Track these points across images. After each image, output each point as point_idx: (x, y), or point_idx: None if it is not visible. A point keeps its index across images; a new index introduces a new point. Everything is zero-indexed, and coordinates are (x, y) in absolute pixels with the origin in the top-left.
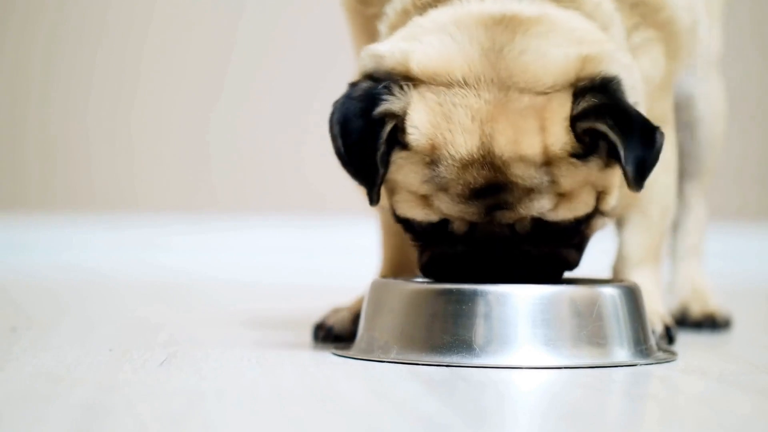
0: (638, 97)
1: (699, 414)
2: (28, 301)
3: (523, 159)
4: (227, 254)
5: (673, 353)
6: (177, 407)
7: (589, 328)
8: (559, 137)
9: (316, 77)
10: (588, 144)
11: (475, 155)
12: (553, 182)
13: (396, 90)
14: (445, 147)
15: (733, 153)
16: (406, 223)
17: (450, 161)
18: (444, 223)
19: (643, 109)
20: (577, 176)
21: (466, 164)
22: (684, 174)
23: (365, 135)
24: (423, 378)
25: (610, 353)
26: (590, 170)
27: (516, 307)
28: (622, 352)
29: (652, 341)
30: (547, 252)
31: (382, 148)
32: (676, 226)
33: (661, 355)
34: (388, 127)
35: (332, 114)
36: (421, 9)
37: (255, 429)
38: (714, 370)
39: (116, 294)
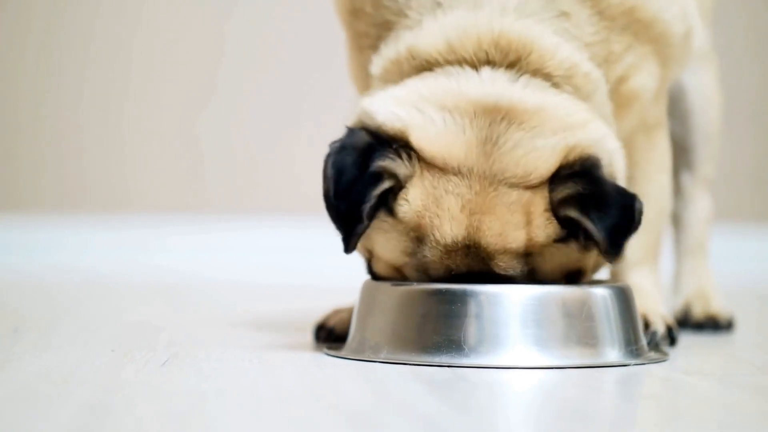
0: (620, 176)
1: (700, 414)
2: (27, 302)
3: (507, 252)
4: (223, 255)
5: (664, 354)
6: (179, 407)
7: (580, 328)
8: (543, 229)
9: (310, 77)
10: (569, 229)
11: (459, 244)
12: (534, 269)
13: (402, 155)
14: (431, 230)
15: (733, 154)
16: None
17: (434, 245)
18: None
19: (623, 183)
20: (556, 260)
21: (450, 251)
22: (680, 166)
23: (359, 184)
24: (424, 379)
25: (601, 353)
26: (570, 253)
27: (507, 307)
28: (613, 353)
29: (644, 341)
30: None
31: (372, 201)
32: (677, 221)
33: (652, 355)
34: (385, 185)
35: (329, 155)
36: (416, 69)
37: (256, 429)
38: (716, 370)
39: (114, 295)
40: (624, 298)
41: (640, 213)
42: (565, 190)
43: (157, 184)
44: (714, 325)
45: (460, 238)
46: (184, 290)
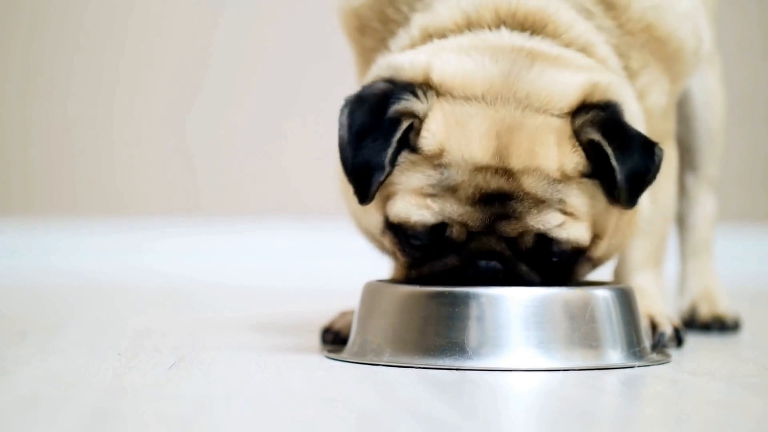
0: (639, 126)
1: (708, 415)
2: (28, 306)
3: (537, 171)
4: (216, 258)
5: (667, 355)
6: (185, 411)
7: (582, 330)
8: (571, 156)
9: (301, 77)
10: (594, 161)
11: (489, 161)
12: (562, 200)
13: (419, 92)
14: (459, 150)
15: (740, 155)
16: (398, 230)
17: (462, 164)
18: (441, 228)
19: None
20: (584, 200)
21: (479, 168)
22: (685, 167)
23: (376, 129)
24: (431, 381)
25: (603, 355)
26: (595, 200)
27: (509, 309)
28: (615, 354)
29: (646, 343)
30: (537, 282)
31: (394, 146)
32: (681, 222)
33: (655, 357)
34: (405, 125)
35: (344, 106)
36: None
37: None
38: (723, 371)
39: (114, 298)
40: (626, 300)
41: (660, 159)
42: (588, 116)
43: (149, 187)
44: (721, 325)
45: (489, 155)
46: (183, 294)
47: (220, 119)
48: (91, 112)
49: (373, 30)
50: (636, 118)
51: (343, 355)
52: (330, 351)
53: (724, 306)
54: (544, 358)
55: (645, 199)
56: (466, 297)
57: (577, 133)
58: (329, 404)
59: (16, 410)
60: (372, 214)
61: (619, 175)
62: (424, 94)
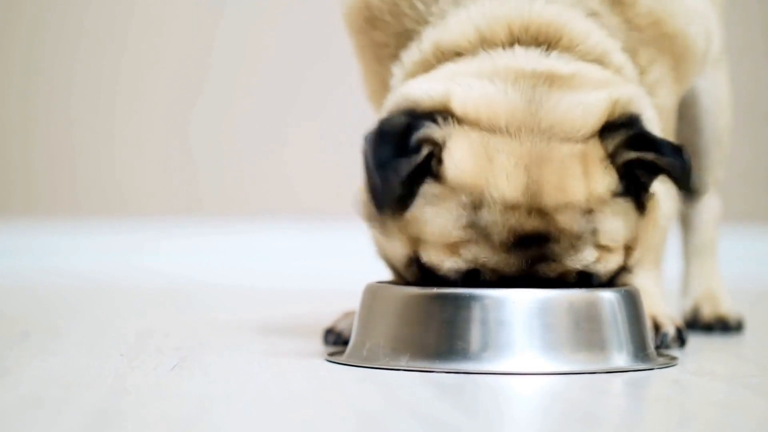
0: (656, 131)
1: (710, 416)
2: (29, 307)
3: (569, 206)
4: (217, 259)
5: (673, 358)
6: (187, 412)
7: (588, 333)
8: (602, 179)
9: (302, 78)
10: (628, 179)
11: (521, 200)
12: (595, 230)
13: (438, 120)
14: (488, 189)
15: (744, 156)
16: (427, 271)
17: (492, 204)
18: (475, 273)
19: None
20: (617, 223)
21: (512, 208)
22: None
23: (393, 154)
24: (434, 383)
25: (608, 358)
26: (628, 212)
27: (513, 312)
28: (620, 357)
29: (652, 346)
30: None
31: (411, 165)
32: (685, 223)
33: (661, 360)
34: (425, 152)
35: (366, 145)
36: (440, 62)
37: None
38: (725, 372)
39: (115, 299)
40: (632, 302)
41: (690, 161)
42: (619, 137)
43: (150, 188)
44: (723, 326)
45: (520, 194)
46: (185, 294)
47: (221, 120)
48: (93, 112)
49: (385, 24)
50: (654, 127)
51: (343, 358)
52: (330, 354)
53: (727, 306)
54: (548, 361)
55: (664, 198)
56: (469, 299)
57: (612, 157)
58: (330, 405)
59: (18, 411)
60: (396, 245)
61: (671, 164)
62: (444, 120)
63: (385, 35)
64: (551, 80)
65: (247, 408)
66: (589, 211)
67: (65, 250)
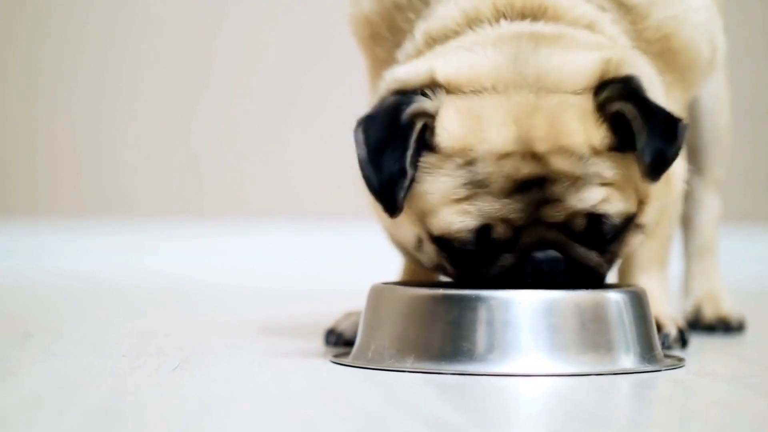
0: (659, 97)
1: (712, 417)
2: (31, 307)
3: (565, 150)
4: (220, 259)
5: (680, 359)
6: (189, 412)
7: (594, 334)
8: (596, 131)
9: (303, 78)
10: (621, 136)
11: (512, 147)
12: (598, 173)
13: (427, 93)
14: (480, 145)
15: (745, 156)
16: (443, 243)
17: (486, 156)
18: (486, 230)
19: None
20: (620, 171)
21: (505, 157)
22: (691, 169)
23: (393, 138)
24: (436, 383)
25: (615, 360)
26: (631, 170)
27: (519, 313)
28: (627, 359)
29: (659, 347)
30: (596, 263)
31: (412, 148)
32: (686, 223)
33: (668, 361)
34: (419, 126)
35: (357, 126)
36: (434, 46)
37: None
38: (727, 372)
39: (117, 300)
40: (639, 303)
41: (684, 135)
42: (611, 90)
43: (152, 188)
44: (725, 326)
45: (511, 142)
46: (186, 295)
47: (223, 121)
48: (94, 113)
49: (384, 39)
50: (656, 89)
51: (348, 359)
52: (335, 356)
53: (729, 307)
54: (554, 362)
55: (679, 162)
56: (476, 300)
57: (601, 107)
58: (332, 405)
59: (19, 411)
60: (406, 228)
61: (641, 144)
62: (433, 92)
63: (385, 51)
64: (537, 38)
65: (248, 408)
66: (587, 155)
67: (66, 250)
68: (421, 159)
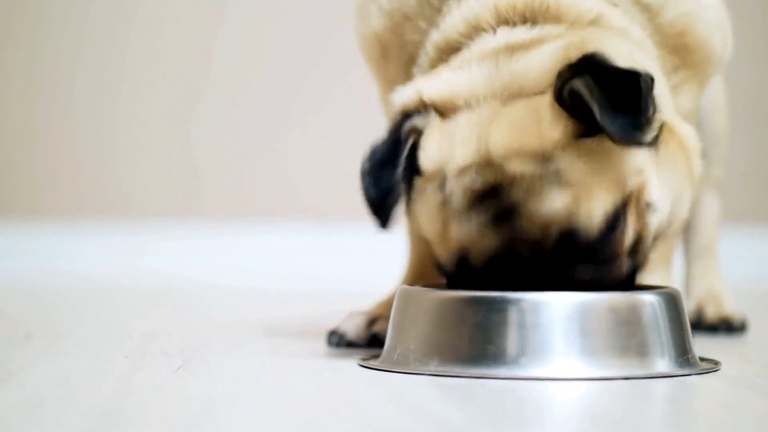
0: (640, 63)
1: (715, 417)
2: (33, 308)
3: (518, 152)
4: (220, 260)
5: (716, 363)
6: (191, 413)
7: (629, 337)
8: (556, 123)
9: (303, 79)
10: (587, 120)
11: (471, 160)
12: (558, 173)
13: (422, 112)
14: (447, 165)
15: (745, 156)
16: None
17: (451, 175)
18: (464, 260)
19: (658, 84)
20: (591, 163)
21: (464, 170)
22: None
23: (392, 156)
24: (440, 383)
25: (650, 364)
26: (607, 154)
27: (551, 315)
28: (662, 363)
29: (694, 350)
30: (586, 278)
31: (402, 165)
32: (687, 224)
33: (704, 365)
34: (411, 141)
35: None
36: (440, 61)
37: None
38: (730, 373)
39: (118, 301)
40: (674, 305)
41: (648, 87)
42: (565, 73)
43: (153, 189)
44: (728, 326)
45: (470, 155)
46: (188, 296)
47: (223, 121)
48: (94, 113)
49: (394, 56)
50: (628, 60)
51: (377, 363)
52: (363, 359)
53: (731, 307)
54: (587, 366)
55: (682, 123)
56: (507, 302)
57: (558, 95)
58: (334, 406)
59: (22, 412)
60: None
61: (599, 116)
62: (426, 111)
63: (395, 68)
64: (512, 49)
65: (251, 409)
66: (545, 156)
67: (67, 251)
68: (415, 181)
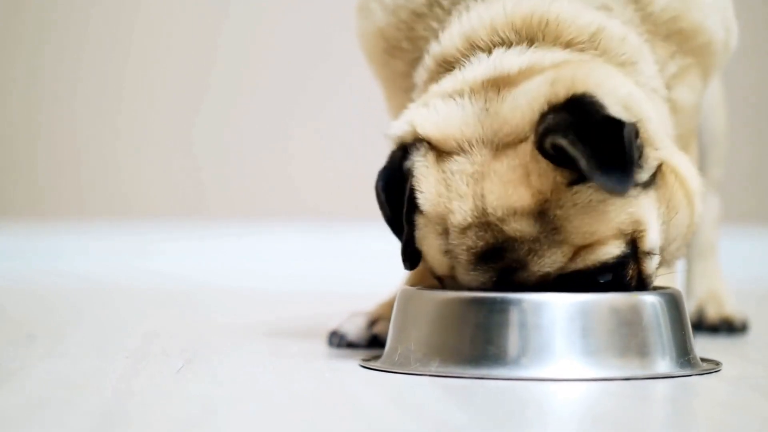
0: (636, 107)
1: (716, 417)
2: (34, 309)
3: (515, 212)
4: (222, 261)
5: (717, 363)
6: (193, 414)
7: (630, 337)
8: (546, 175)
9: (306, 80)
10: (573, 166)
11: (470, 219)
12: (556, 230)
13: (412, 150)
14: (448, 217)
15: (745, 156)
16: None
17: (453, 230)
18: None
19: (651, 124)
20: (586, 210)
21: (465, 230)
22: None
23: (394, 193)
24: (441, 384)
25: (651, 364)
26: (603, 200)
27: (552, 316)
28: (663, 363)
29: (696, 351)
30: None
31: (405, 206)
32: None
33: (705, 365)
34: (410, 184)
35: (376, 182)
36: (438, 76)
37: None
38: (731, 373)
39: (120, 301)
40: (676, 306)
41: (630, 136)
42: (546, 123)
43: (155, 190)
44: (729, 327)
45: (469, 213)
46: (189, 296)
47: (225, 123)
48: (97, 114)
49: (403, 51)
50: (630, 99)
51: (377, 363)
52: (364, 359)
53: (731, 307)
54: (589, 367)
55: (682, 159)
56: (508, 303)
57: (540, 146)
58: (335, 406)
59: (23, 412)
60: None
61: (585, 171)
62: (417, 149)
63: (404, 63)
64: (498, 84)
65: (252, 409)
66: (540, 212)
67: (69, 252)
68: (415, 217)
